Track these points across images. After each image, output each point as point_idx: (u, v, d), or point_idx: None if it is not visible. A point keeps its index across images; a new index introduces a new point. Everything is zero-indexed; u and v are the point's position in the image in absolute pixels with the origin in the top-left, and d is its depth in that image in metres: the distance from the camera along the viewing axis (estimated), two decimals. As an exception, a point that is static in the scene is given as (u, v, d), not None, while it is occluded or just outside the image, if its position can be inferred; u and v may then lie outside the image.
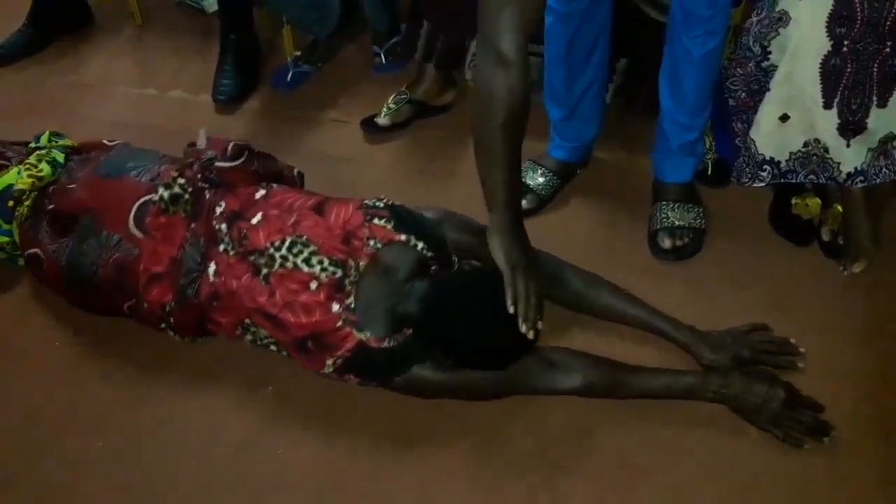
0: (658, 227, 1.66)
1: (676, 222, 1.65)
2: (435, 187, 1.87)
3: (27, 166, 1.66)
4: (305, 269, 1.38)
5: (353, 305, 1.36)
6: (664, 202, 1.68)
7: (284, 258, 1.39)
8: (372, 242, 1.39)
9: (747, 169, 1.61)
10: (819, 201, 1.66)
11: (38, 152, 1.70)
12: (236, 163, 1.57)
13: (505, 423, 1.40)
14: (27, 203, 1.62)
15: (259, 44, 2.23)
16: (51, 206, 1.59)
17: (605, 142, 1.85)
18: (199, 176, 1.52)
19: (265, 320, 1.40)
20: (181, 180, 1.50)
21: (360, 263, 1.39)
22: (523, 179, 1.77)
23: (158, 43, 2.39)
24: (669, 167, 1.69)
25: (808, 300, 1.55)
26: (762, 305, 1.53)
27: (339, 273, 1.38)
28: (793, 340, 1.45)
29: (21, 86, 2.27)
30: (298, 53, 2.18)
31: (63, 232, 1.56)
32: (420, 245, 1.41)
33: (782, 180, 1.59)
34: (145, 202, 1.49)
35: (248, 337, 1.46)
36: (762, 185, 1.61)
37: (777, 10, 1.47)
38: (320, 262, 1.38)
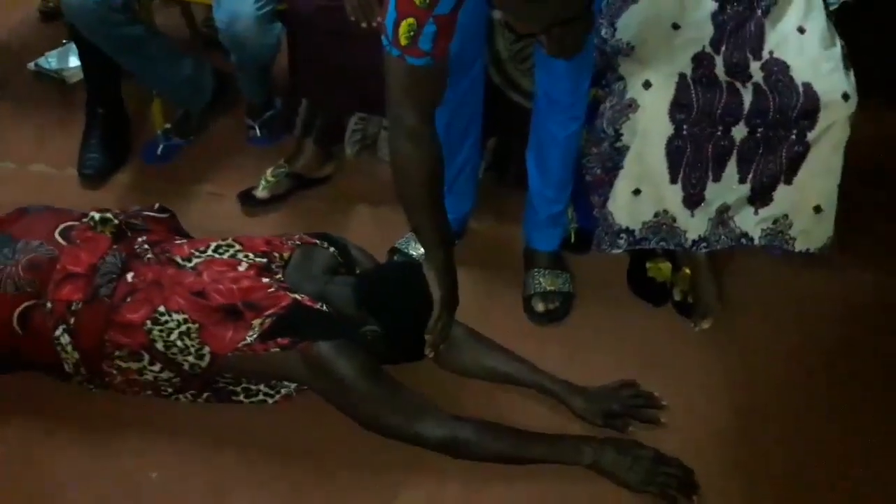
0: (531, 292, 1.78)
1: (547, 287, 1.77)
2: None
3: None
4: (231, 260, 1.48)
5: (282, 279, 1.45)
6: (536, 269, 1.80)
7: (210, 256, 1.47)
8: (290, 242, 1.56)
9: (606, 237, 1.76)
10: (670, 265, 1.84)
11: None
12: (163, 215, 1.69)
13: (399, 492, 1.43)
14: None
15: (128, 116, 2.18)
16: None
17: (479, 214, 1.97)
18: (125, 224, 1.59)
19: (186, 298, 1.40)
20: (110, 214, 1.57)
21: (284, 254, 1.53)
22: (405, 250, 1.85)
23: (14, 115, 2.29)
24: (539, 236, 1.83)
25: (668, 356, 1.71)
26: (629, 362, 1.67)
27: (265, 260, 1.50)
28: (656, 394, 1.58)
29: None
30: (169, 126, 2.16)
31: None
32: (332, 250, 1.58)
33: (637, 247, 1.76)
34: (71, 224, 1.53)
35: (158, 343, 1.40)
36: (619, 251, 1.77)
37: (627, 98, 1.64)
38: (246, 256, 1.50)
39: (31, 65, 2.43)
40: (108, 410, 1.51)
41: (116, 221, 1.56)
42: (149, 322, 1.40)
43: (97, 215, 1.56)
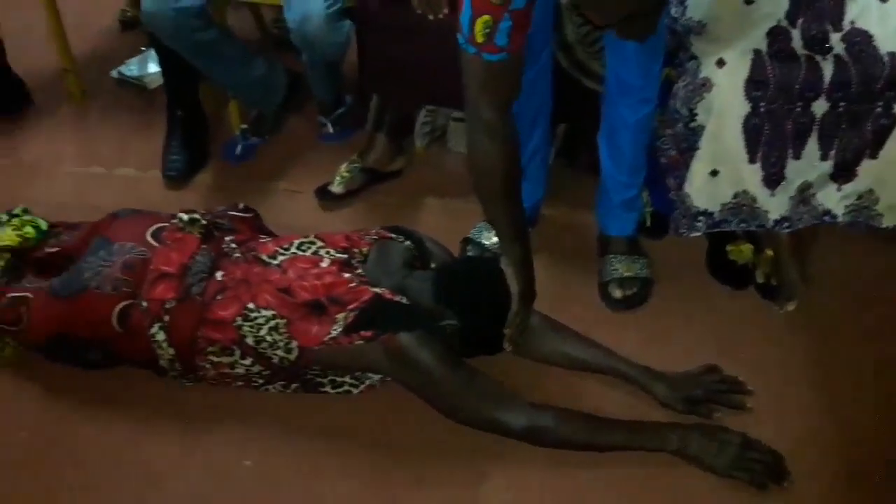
0: (608, 278, 1.77)
1: (625, 273, 1.76)
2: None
3: (13, 226, 1.69)
4: (314, 257, 1.53)
5: (363, 274, 1.52)
6: (611, 255, 1.79)
7: (294, 253, 1.55)
8: (368, 238, 1.61)
9: (683, 220, 1.73)
10: (752, 247, 1.80)
11: (20, 218, 1.73)
12: (247, 215, 1.76)
13: (488, 476, 1.45)
14: (0, 263, 1.63)
15: (206, 118, 2.26)
16: (47, 251, 1.65)
17: (551, 201, 1.96)
18: (210, 219, 1.66)
19: (274, 295, 1.46)
20: (197, 215, 1.64)
21: (363, 249, 1.58)
22: (477, 240, 1.86)
23: (100, 121, 2.39)
24: (613, 222, 1.81)
25: (750, 340, 1.67)
26: (710, 348, 1.64)
27: (346, 256, 1.55)
28: (741, 379, 1.55)
29: (-42, 172, 2.24)
30: (246, 126, 2.23)
31: (52, 273, 1.60)
32: (409, 244, 1.61)
33: (716, 229, 1.72)
34: (162, 226, 1.60)
35: (249, 338, 1.46)
36: (698, 234, 1.74)
37: (700, 77, 1.61)
38: (328, 252, 1.56)
39: (113, 73, 2.54)
40: (201, 403, 1.57)
41: (204, 222, 1.62)
42: (239, 318, 1.46)
43: (185, 216, 1.62)
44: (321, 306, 1.45)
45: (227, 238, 1.62)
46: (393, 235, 1.63)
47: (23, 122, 2.38)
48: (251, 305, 1.46)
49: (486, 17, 1.23)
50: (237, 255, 1.58)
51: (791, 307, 1.72)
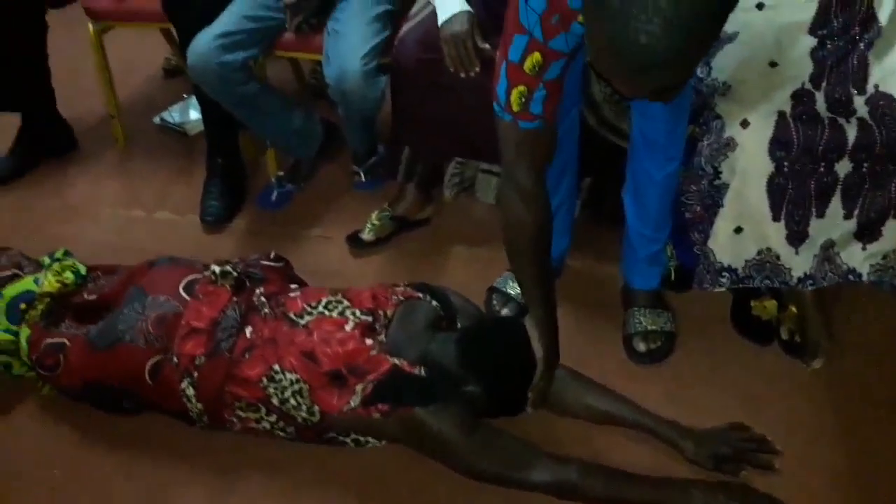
0: (632, 331, 1.79)
1: (649, 327, 1.78)
2: (419, 299, 1.97)
3: (54, 272, 1.74)
4: (338, 318, 1.55)
5: (384, 341, 1.52)
6: (636, 308, 1.81)
7: (321, 313, 1.56)
8: (395, 298, 1.61)
9: (707, 275, 1.75)
10: (775, 303, 1.81)
11: (61, 262, 1.79)
12: (278, 264, 1.78)
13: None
14: (40, 307, 1.68)
15: (244, 165, 2.34)
16: (87, 298, 1.69)
17: (576, 252, 1.99)
18: (243, 272, 1.69)
19: (298, 359, 1.49)
20: (228, 266, 1.67)
21: (388, 311, 1.59)
22: (503, 289, 1.90)
23: (142, 165, 2.48)
24: (638, 275, 1.84)
25: (775, 397, 1.67)
26: (734, 403, 1.65)
27: (370, 319, 1.56)
28: (769, 438, 1.55)
29: (8, 209, 2.32)
30: (282, 173, 2.30)
31: (91, 321, 1.64)
32: (434, 303, 1.62)
33: (740, 285, 1.74)
34: (194, 278, 1.64)
35: (274, 399, 1.50)
36: (722, 289, 1.75)
37: (725, 136, 1.64)
38: (353, 313, 1.57)
39: (156, 119, 2.64)
40: (230, 450, 1.60)
41: (235, 274, 1.65)
42: (265, 379, 1.50)
43: (217, 269, 1.65)
44: (341, 376, 1.48)
45: (257, 290, 1.65)
46: (419, 295, 1.64)
47: (69, 164, 2.49)
48: (276, 367, 1.50)
49: (521, 88, 1.27)
50: (266, 310, 1.60)
51: (817, 364, 1.72)
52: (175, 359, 1.53)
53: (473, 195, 2.23)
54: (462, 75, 1.78)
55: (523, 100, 1.28)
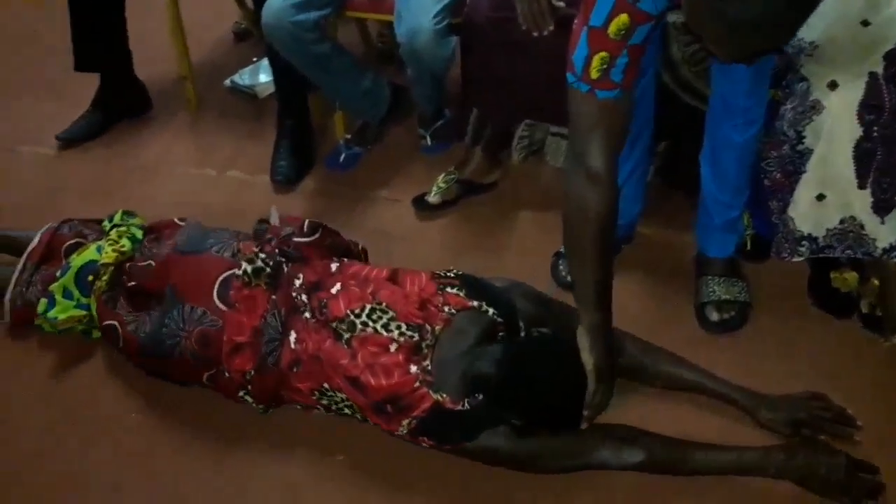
0: (705, 300, 1.75)
1: (722, 296, 1.73)
2: (486, 261, 1.95)
3: (110, 241, 1.77)
4: (385, 333, 1.48)
5: (429, 367, 1.45)
6: (709, 276, 1.76)
7: (364, 324, 1.49)
8: (447, 309, 1.49)
9: (786, 244, 1.69)
10: (856, 275, 1.74)
11: (117, 229, 1.82)
12: (312, 238, 1.69)
13: (574, 495, 1.45)
14: (105, 277, 1.72)
15: (313, 127, 2.36)
16: (130, 283, 1.68)
17: (648, 218, 1.95)
18: (277, 250, 1.62)
19: (345, 383, 1.47)
20: (262, 255, 1.59)
21: (436, 328, 1.48)
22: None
23: (214, 127, 2.53)
24: (713, 243, 1.79)
25: (851, 371, 1.62)
26: (808, 376, 1.60)
27: (417, 336, 1.47)
28: (849, 411, 1.50)
29: (86, 167, 2.39)
30: (349, 136, 2.31)
31: (140, 306, 1.65)
32: (491, 311, 1.50)
33: (820, 255, 1.67)
34: (228, 276, 1.57)
35: (324, 401, 1.53)
36: (800, 259, 1.69)
37: (810, 99, 1.58)
38: (398, 328, 1.48)
39: (226, 81, 2.67)
40: (292, 422, 1.62)
41: (269, 270, 1.57)
42: (316, 392, 1.52)
43: (249, 267, 1.56)
44: (385, 410, 1.45)
45: (296, 281, 1.58)
46: (473, 304, 1.51)
47: (143, 125, 2.54)
48: (326, 385, 1.50)
49: (603, 54, 1.22)
50: (307, 314, 1.54)
51: (897, 340, 1.66)
52: (227, 374, 1.55)
53: (542, 159, 2.20)
54: (535, 34, 1.75)
55: (605, 66, 1.23)
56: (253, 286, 1.56)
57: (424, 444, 1.47)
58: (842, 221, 1.63)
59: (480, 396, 1.42)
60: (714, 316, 1.73)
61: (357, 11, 2.21)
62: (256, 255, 1.59)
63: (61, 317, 1.72)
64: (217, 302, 1.56)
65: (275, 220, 1.75)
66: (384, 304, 1.50)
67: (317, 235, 1.70)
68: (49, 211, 2.17)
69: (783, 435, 1.48)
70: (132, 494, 1.53)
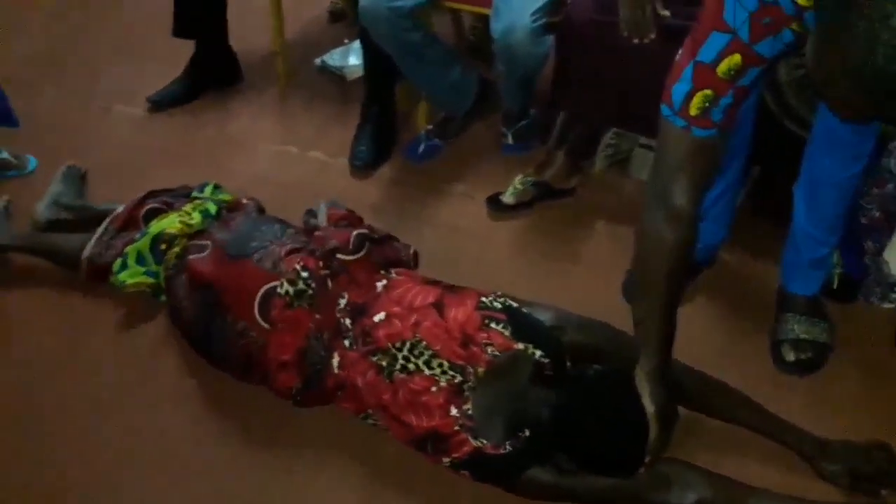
0: (783, 337, 1.67)
1: (801, 335, 1.65)
2: (555, 270, 1.93)
3: (182, 213, 1.80)
4: (427, 371, 1.43)
5: (470, 412, 1.40)
6: (790, 313, 1.68)
7: (406, 359, 1.45)
8: (490, 350, 1.43)
9: (877, 288, 1.60)
10: (951, 329, 1.64)
11: (195, 202, 1.84)
12: (358, 255, 1.61)
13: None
14: (176, 249, 1.74)
15: (396, 115, 2.35)
16: (190, 258, 1.68)
17: (732, 244, 1.88)
18: (321, 264, 1.57)
19: (387, 416, 1.47)
20: (304, 273, 1.55)
21: (479, 370, 1.43)
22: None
23: (300, 105, 2.54)
24: (798, 279, 1.70)
25: (932, 429, 1.52)
26: (883, 431, 1.51)
27: (459, 378, 1.42)
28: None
29: (170, 133, 2.44)
30: (430, 127, 2.29)
31: (196, 291, 1.65)
32: (538, 354, 1.43)
33: (914, 304, 1.58)
34: (269, 291, 1.54)
35: (370, 421, 1.53)
36: (891, 306, 1.60)
37: (924, 137, 1.49)
38: (440, 366, 1.43)
39: (317, 60, 2.69)
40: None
41: (310, 292, 1.54)
42: (362, 415, 1.53)
43: (291, 290, 1.53)
44: (426, 447, 1.44)
45: (340, 301, 1.54)
46: (518, 346, 1.43)
47: (232, 97, 2.58)
48: (370, 412, 1.50)
49: (707, 92, 1.15)
50: (349, 340, 1.51)
51: None
52: (274, 386, 1.56)
53: (625, 170, 2.14)
54: (635, 41, 1.69)
55: (706, 105, 1.16)
56: (295, 307, 1.54)
57: (466, 476, 1.44)
58: (942, 271, 1.53)
59: (526, 433, 1.38)
60: (790, 355, 1.65)
61: (453, 2, 2.18)
62: (298, 274, 1.55)
63: (129, 281, 1.76)
64: (259, 318, 1.54)
65: (322, 218, 1.72)
66: (425, 342, 1.45)
67: (363, 252, 1.62)
68: (134, 169, 2.25)
69: (841, 487, 1.41)
70: (175, 466, 1.56)
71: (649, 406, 1.33)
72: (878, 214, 1.60)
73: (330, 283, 1.57)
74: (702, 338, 1.70)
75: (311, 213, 1.75)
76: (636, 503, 1.40)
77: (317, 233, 1.67)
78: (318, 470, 1.54)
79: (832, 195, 1.57)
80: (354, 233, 1.63)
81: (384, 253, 1.67)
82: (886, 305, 1.60)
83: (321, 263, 1.57)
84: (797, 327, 1.66)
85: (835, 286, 1.76)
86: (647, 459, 1.34)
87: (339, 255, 1.59)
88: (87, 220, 1.96)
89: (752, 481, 1.41)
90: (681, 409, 1.45)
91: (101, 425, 1.64)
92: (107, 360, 1.77)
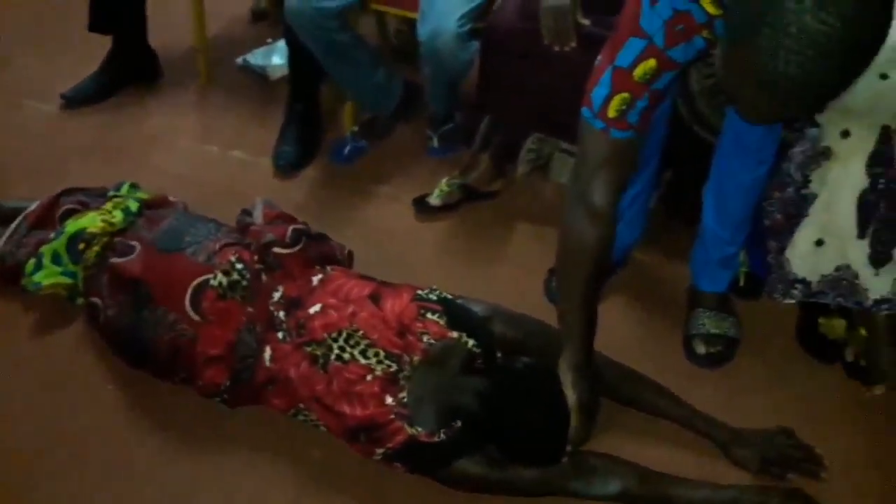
0: (694, 332, 1.75)
1: (712, 330, 1.74)
2: (480, 268, 1.97)
3: (103, 212, 1.75)
4: (362, 360, 1.44)
5: (405, 399, 1.42)
6: (701, 309, 1.77)
7: (342, 349, 1.45)
8: (425, 338, 1.46)
9: (779, 285, 1.70)
10: (844, 323, 1.75)
11: (114, 200, 1.80)
12: (294, 249, 1.61)
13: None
14: (95, 248, 1.69)
15: (322, 115, 2.34)
16: (111, 261, 1.63)
17: (645, 244, 1.96)
18: (256, 258, 1.57)
19: (320, 408, 1.46)
20: (239, 265, 1.54)
21: (414, 358, 1.45)
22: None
23: (221, 103, 2.51)
24: (707, 277, 1.80)
25: (829, 417, 1.63)
26: (787, 417, 1.61)
27: (394, 367, 1.44)
28: (818, 450, 1.53)
29: (89, 129, 2.37)
30: (356, 128, 2.30)
31: (120, 291, 1.60)
32: (470, 343, 1.47)
33: (811, 299, 1.69)
34: (202, 283, 1.52)
35: (300, 417, 1.52)
36: (792, 301, 1.71)
37: (821, 145, 1.59)
38: (376, 355, 1.45)
39: (238, 59, 2.66)
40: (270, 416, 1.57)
41: (245, 283, 1.53)
42: (292, 410, 1.51)
43: (225, 280, 1.52)
44: (359, 438, 1.44)
45: (275, 293, 1.54)
46: (453, 335, 1.47)
47: (151, 94, 2.52)
48: (301, 406, 1.49)
49: (625, 95, 1.22)
50: (283, 331, 1.51)
51: (878, 391, 1.66)
52: (201, 382, 1.53)
53: (546, 174, 2.20)
54: (556, 48, 1.75)
55: (624, 107, 1.22)
56: (228, 298, 1.52)
57: (399, 469, 1.46)
58: (837, 269, 1.65)
59: (458, 423, 1.41)
60: (701, 349, 1.74)
61: (381, 5, 2.20)
62: (233, 265, 1.54)
63: (46, 282, 1.70)
64: (189, 310, 1.52)
65: (258, 216, 1.70)
66: (362, 331, 1.46)
67: (299, 246, 1.62)
68: (47, 168, 2.17)
69: (751, 471, 1.49)
70: (95, 469, 1.52)
71: (571, 397, 1.39)
72: (779, 217, 1.70)
73: (264, 277, 1.56)
74: (618, 334, 1.77)
75: (246, 213, 1.73)
76: (562, 493, 1.44)
77: (252, 227, 1.65)
78: (247, 472, 1.52)
79: (739, 197, 1.67)
80: (291, 227, 1.63)
81: (320, 249, 1.68)
82: (788, 301, 1.70)
83: (256, 257, 1.56)
84: (707, 322, 1.75)
85: (741, 284, 1.86)
86: (568, 448, 1.40)
87: (274, 249, 1.59)
88: None
89: (670, 468, 1.48)
90: (603, 401, 1.52)
91: (16, 428, 1.58)
92: (20, 364, 1.70)
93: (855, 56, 0.92)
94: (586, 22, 1.73)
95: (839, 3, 0.87)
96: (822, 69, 0.90)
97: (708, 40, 1.16)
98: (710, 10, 1.10)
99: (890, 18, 0.93)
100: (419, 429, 1.41)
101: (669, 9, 1.14)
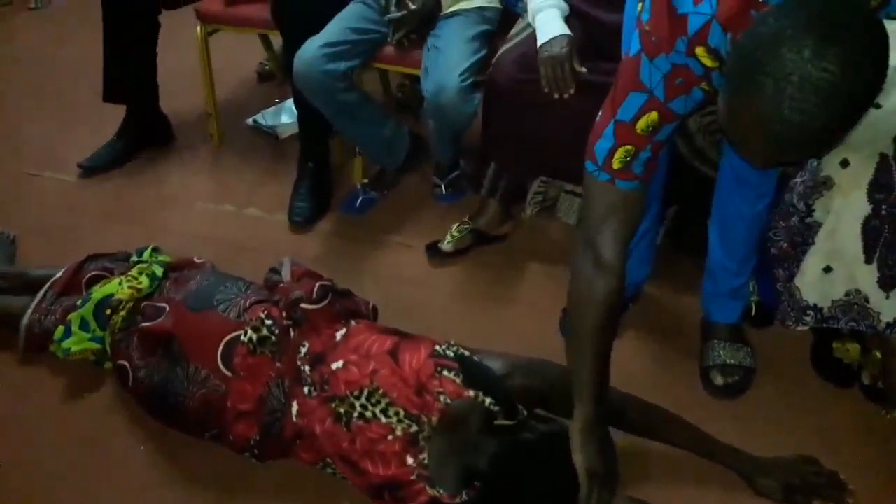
0: (710, 364, 1.77)
1: (728, 360, 1.76)
2: (495, 311, 2.00)
3: (129, 278, 1.79)
4: (383, 419, 1.46)
5: (426, 461, 1.44)
6: (715, 340, 1.80)
7: (364, 407, 1.48)
8: (442, 398, 1.46)
9: (791, 313, 1.72)
10: (859, 347, 1.77)
11: (139, 265, 1.85)
12: (321, 304, 1.65)
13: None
14: (122, 314, 1.73)
15: (332, 170, 2.41)
16: (142, 325, 1.67)
17: (656, 280, 1.99)
18: (284, 314, 1.61)
19: (345, 464, 1.49)
20: (268, 321, 1.58)
21: (432, 418, 1.46)
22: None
23: (234, 163, 2.58)
24: (718, 308, 1.82)
25: (851, 441, 1.64)
26: (808, 443, 1.62)
27: (414, 427, 1.46)
28: (842, 476, 1.53)
29: (107, 196, 2.44)
30: (366, 181, 2.37)
31: (149, 351, 1.64)
32: (488, 401, 1.46)
33: (824, 325, 1.71)
34: (233, 339, 1.57)
35: (328, 471, 1.55)
36: (805, 328, 1.72)
37: (821, 175, 1.63)
38: (396, 414, 1.47)
39: (248, 120, 2.74)
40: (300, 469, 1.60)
41: (274, 339, 1.57)
42: (320, 463, 1.54)
43: (255, 336, 1.56)
44: (383, 496, 1.46)
45: (301, 349, 1.58)
46: (469, 393, 1.45)
47: (166, 157, 2.60)
48: (328, 460, 1.52)
49: (628, 147, 1.25)
50: (309, 386, 1.54)
51: (898, 413, 1.68)
52: (231, 437, 1.56)
53: (553, 214, 2.25)
54: (556, 96, 1.81)
55: (628, 159, 1.25)
56: (258, 354, 1.56)
57: None
58: (847, 294, 1.67)
59: (478, 484, 1.42)
60: (718, 380, 1.75)
61: (386, 64, 2.28)
62: (262, 321, 1.59)
63: (75, 348, 1.74)
64: (221, 366, 1.55)
65: (286, 274, 1.74)
66: (382, 389, 1.48)
67: (325, 302, 1.65)
68: (67, 237, 2.22)
69: (777, 501, 1.50)
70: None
71: (579, 462, 1.36)
72: (785, 245, 1.73)
73: (292, 332, 1.60)
74: (634, 368, 1.79)
75: (275, 271, 1.78)
76: None
77: (281, 285, 1.70)
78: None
79: (742, 230, 1.71)
80: (318, 284, 1.67)
81: (345, 304, 1.71)
82: (800, 328, 1.71)
83: (284, 313, 1.61)
84: (723, 353, 1.77)
85: (753, 313, 1.89)
86: None
87: (302, 305, 1.63)
88: (23, 286, 1.93)
89: (693, 501, 1.49)
90: (622, 436, 1.53)
91: (51, 489, 1.60)
92: (54, 427, 1.73)
93: (855, 100, 0.95)
94: (583, 69, 1.80)
95: (837, 51, 0.91)
96: (825, 115, 0.93)
97: (706, 91, 1.20)
98: (708, 63, 1.14)
99: (886, 59, 0.97)
100: (441, 490, 1.42)
101: (668, 63, 1.18)
